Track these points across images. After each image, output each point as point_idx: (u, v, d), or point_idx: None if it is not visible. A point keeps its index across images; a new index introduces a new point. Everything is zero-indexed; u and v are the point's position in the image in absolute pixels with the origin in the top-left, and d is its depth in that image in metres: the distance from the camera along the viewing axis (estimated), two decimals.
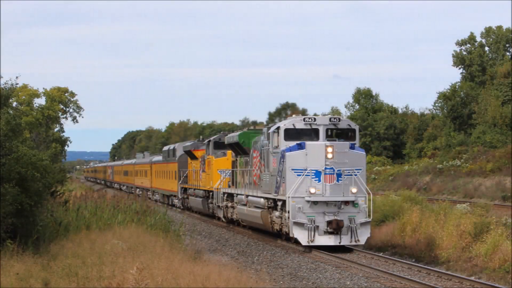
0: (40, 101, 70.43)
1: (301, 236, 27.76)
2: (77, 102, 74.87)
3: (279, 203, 29.54)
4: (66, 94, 73.73)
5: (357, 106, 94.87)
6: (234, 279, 18.34)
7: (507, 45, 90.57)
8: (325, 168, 27.83)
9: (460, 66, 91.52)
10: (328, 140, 28.48)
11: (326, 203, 27.92)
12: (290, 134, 28.97)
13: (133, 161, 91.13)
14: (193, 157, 49.95)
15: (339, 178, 27.93)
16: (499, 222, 27.60)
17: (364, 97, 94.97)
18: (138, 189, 75.58)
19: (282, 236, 30.59)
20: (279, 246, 30.20)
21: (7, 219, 21.06)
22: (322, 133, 28.68)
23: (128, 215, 30.74)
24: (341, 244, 27.89)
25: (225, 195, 39.84)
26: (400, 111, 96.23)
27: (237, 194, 36.69)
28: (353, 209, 28.06)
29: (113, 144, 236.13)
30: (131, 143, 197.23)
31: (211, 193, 43.38)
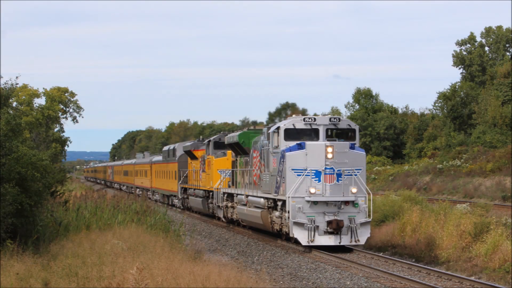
0: (40, 101, 70.52)
1: (301, 236, 27.75)
2: (77, 102, 74.96)
3: (279, 203, 29.53)
4: (66, 94, 73.72)
5: (357, 106, 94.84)
6: (234, 279, 18.33)
7: (507, 45, 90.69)
8: (325, 168, 27.82)
9: (460, 66, 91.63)
10: (328, 140, 28.46)
11: (326, 203, 27.90)
12: (290, 134, 28.95)
13: (133, 161, 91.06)
14: (193, 157, 49.95)
15: (339, 178, 27.91)
16: (499, 222, 27.56)
17: (364, 97, 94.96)
18: (138, 189, 75.51)
19: (282, 236, 30.57)
20: (279, 246, 30.18)
21: (7, 219, 21.07)
22: (322, 133, 28.65)
23: (128, 215, 30.75)
24: (341, 244, 27.87)
25: (225, 195, 39.82)
26: (400, 111, 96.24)
27: (237, 194, 36.67)
28: (353, 209, 28.05)
29: (113, 144, 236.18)
30: (131, 143, 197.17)
31: (211, 193, 43.37)
